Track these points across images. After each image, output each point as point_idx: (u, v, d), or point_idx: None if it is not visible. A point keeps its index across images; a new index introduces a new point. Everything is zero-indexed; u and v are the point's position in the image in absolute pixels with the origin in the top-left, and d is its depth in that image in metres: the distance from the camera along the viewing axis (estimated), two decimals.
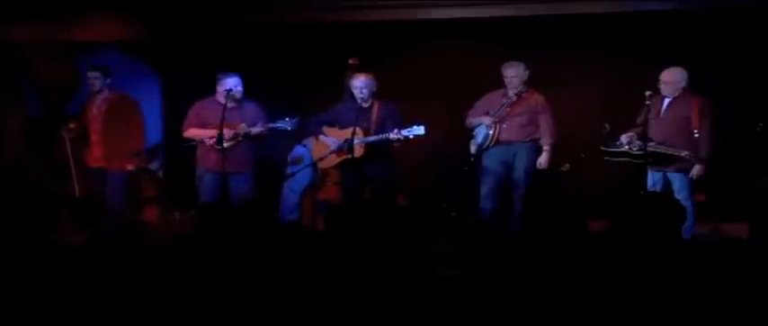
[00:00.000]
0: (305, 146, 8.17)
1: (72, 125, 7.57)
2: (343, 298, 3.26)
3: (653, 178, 6.88)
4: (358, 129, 6.90)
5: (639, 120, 6.99)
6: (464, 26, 8.49)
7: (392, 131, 6.86)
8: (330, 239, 4.01)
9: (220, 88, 7.11)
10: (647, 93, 6.77)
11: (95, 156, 7.47)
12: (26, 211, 7.48)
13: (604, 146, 6.99)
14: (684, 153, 6.63)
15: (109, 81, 7.51)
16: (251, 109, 7.15)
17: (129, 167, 7.43)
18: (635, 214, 4.10)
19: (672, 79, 6.85)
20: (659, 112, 6.90)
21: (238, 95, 7.06)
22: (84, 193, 7.51)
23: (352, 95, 7.16)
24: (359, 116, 6.93)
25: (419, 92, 8.13)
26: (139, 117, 7.56)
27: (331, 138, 7.12)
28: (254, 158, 7.26)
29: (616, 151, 6.91)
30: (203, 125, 7.14)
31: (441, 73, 8.46)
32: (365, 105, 7.03)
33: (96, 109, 7.49)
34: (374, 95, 7.08)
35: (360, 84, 7.02)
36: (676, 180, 6.80)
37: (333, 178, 7.69)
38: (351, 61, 7.79)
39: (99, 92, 7.48)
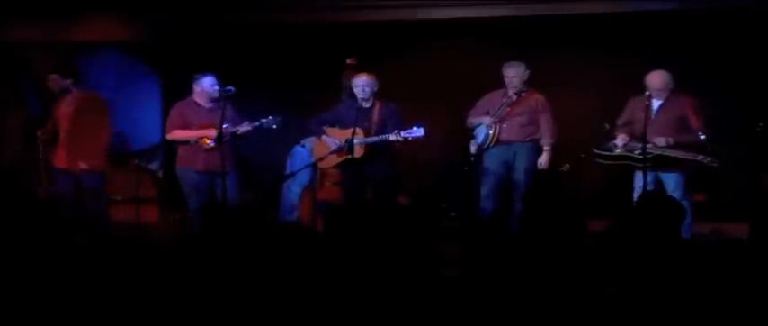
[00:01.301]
0: (303, 146, 8.17)
1: (48, 127, 7.44)
2: (344, 299, 3.26)
3: (642, 179, 6.86)
4: (358, 129, 6.90)
5: (622, 121, 7.01)
6: (464, 26, 8.49)
7: (392, 131, 6.87)
8: (330, 240, 4.01)
9: (197, 88, 7.11)
10: (647, 93, 6.77)
11: (62, 157, 7.37)
12: (25, 211, 7.47)
13: (597, 147, 7.00)
14: (700, 157, 6.61)
15: (70, 81, 7.33)
16: (229, 110, 7.11)
17: (82, 166, 7.19)
18: (635, 214, 4.10)
19: (663, 83, 6.85)
20: (651, 113, 6.89)
21: (216, 94, 7.05)
22: (49, 195, 7.43)
23: (351, 94, 7.16)
24: (360, 116, 6.93)
25: (419, 92, 8.13)
26: (105, 117, 7.36)
27: (332, 138, 7.12)
28: (237, 158, 7.26)
29: (612, 154, 6.92)
30: (186, 126, 7.12)
31: (441, 73, 8.46)
32: (366, 105, 7.03)
33: (64, 109, 7.37)
34: (375, 96, 7.08)
35: (361, 83, 7.03)
36: (671, 180, 6.79)
37: (332, 178, 7.70)
38: (349, 61, 7.80)
39: (67, 92, 7.37)
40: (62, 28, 8.86)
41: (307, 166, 7.72)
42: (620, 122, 7.03)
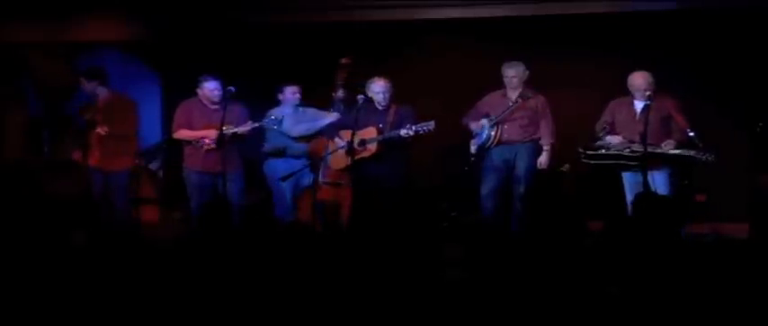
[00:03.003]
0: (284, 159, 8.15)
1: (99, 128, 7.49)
2: (344, 299, 3.27)
3: (634, 178, 6.86)
4: (372, 128, 6.99)
5: (605, 121, 7.02)
6: (464, 26, 8.49)
7: (405, 127, 6.91)
8: (331, 240, 4.02)
9: (200, 90, 7.19)
10: (647, 93, 6.77)
11: (95, 156, 7.44)
12: (25, 210, 7.50)
13: (585, 147, 7.00)
14: (692, 152, 6.62)
15: (96, 83, 7.42)
16: (236, 110, 7.15)
17: (115, 165, 7.33)
18: (636, 214, 4.11)
19: (646, 83, 6.85)
20: (635, 114, 6.89)
21: (217, 98, 7.11)
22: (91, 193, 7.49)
23: (344, 94, 7.23)
24: (373, 117, 7.03)
25: (418, 92, 8.12)
26: (134, 116, 7.50)
27: (345, 140, 7.14)
28: (242, 158, 7.29)
29: (602, 154, 6.93)
30: (190, 126, 7.19)
31: (440, 73, 8.47)
32: (380, 108, 7.10)
33: (95, 111, 7.46)
34: (391, 98, 7.17)
35: (380, 89, 7.12)
36: (661, 182, 6.78)
37: (333, 178, 7.68)
38: (343, 61, 7.80)
39: (96, 94, 7.45)
40: (62, 28, 8.87)
41: (305, 166, 7.71)
42: (604, 121, 7.06)
